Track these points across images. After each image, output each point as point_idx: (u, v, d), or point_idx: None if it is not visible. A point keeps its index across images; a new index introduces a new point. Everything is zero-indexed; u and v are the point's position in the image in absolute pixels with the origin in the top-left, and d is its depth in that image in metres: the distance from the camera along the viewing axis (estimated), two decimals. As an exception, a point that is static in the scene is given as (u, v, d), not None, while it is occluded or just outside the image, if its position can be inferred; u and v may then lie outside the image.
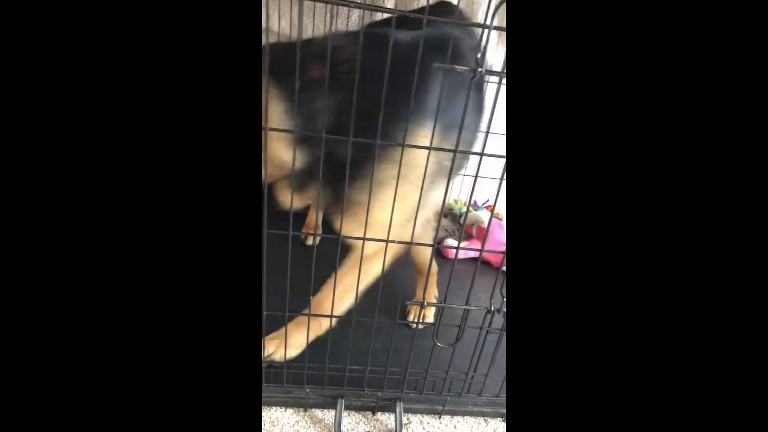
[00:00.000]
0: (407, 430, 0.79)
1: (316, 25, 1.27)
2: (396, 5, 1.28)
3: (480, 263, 0.66)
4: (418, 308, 0.96)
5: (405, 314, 0.98)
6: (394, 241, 0.61)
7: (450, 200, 1.52)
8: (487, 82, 0.94)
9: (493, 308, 0.68)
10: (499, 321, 0.73)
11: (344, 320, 0.69)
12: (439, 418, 0.82)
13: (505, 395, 0.82)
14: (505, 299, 0.68)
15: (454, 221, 1.47)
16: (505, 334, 0.74)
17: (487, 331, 0.72)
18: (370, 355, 0.75)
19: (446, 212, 1.47)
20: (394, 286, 1.14)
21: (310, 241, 1.29)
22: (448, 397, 0.80)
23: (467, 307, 0.69)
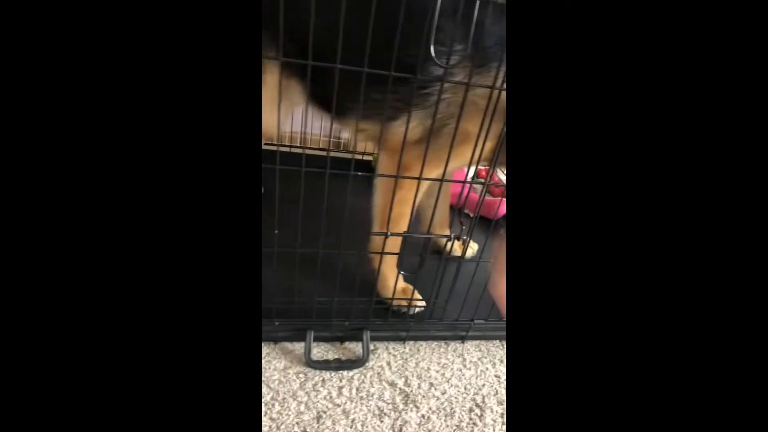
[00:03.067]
0: (374, 355, 0.84)
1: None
2: None
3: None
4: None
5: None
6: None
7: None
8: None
9: (452, 235, 0.72)
10: (458, 250, 0.77)
11: (310, 254, 0.70)
12: (404, 343, 0.88)
13: (462, 319, 0.88)
14: (464, 227, 0.72)
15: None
16: (462, 262, 0.79)
17: (447, 259, 0.76)
18: (338, 287, 0.77)
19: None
20: (358, 220, 1.16)
21: None
22: (411, 324, 0.86)
23: (428, 235, 0.72)
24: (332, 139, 1.59)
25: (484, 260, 0.81)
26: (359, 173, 0.63)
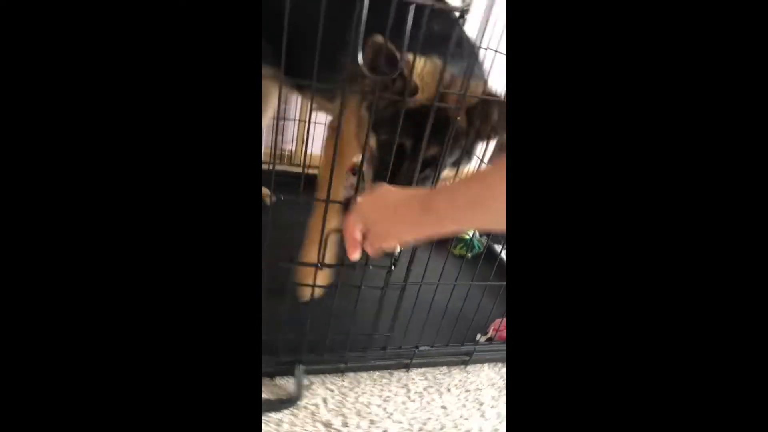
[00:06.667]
0: (309, 391, 0.76)
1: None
2: None
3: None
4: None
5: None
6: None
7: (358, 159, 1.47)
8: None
9: (392, 267, 0.66)
10: (398, 277, 0.71)
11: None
12: (343, 376, 0.81)
13: (407, 346, 0.82)
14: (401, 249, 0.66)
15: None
16: (404, 289, 0.73)
17: (386, 290, 0.70)
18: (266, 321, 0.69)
19: (354, 170, 1.42)
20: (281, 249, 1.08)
21: None
22: (350, 354, 0.78)
23: (366, 266, 0.65)
24: (275, 151, 1.50)
25: (427, 282, 0.75)
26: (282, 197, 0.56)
